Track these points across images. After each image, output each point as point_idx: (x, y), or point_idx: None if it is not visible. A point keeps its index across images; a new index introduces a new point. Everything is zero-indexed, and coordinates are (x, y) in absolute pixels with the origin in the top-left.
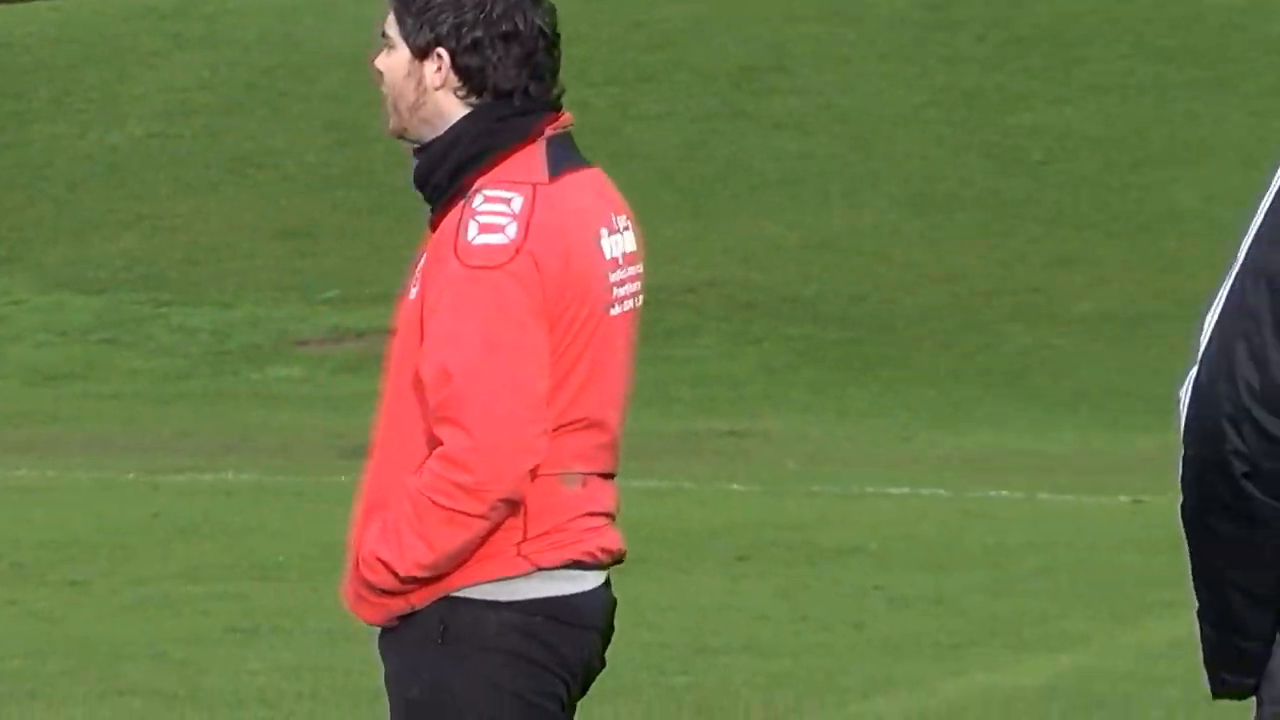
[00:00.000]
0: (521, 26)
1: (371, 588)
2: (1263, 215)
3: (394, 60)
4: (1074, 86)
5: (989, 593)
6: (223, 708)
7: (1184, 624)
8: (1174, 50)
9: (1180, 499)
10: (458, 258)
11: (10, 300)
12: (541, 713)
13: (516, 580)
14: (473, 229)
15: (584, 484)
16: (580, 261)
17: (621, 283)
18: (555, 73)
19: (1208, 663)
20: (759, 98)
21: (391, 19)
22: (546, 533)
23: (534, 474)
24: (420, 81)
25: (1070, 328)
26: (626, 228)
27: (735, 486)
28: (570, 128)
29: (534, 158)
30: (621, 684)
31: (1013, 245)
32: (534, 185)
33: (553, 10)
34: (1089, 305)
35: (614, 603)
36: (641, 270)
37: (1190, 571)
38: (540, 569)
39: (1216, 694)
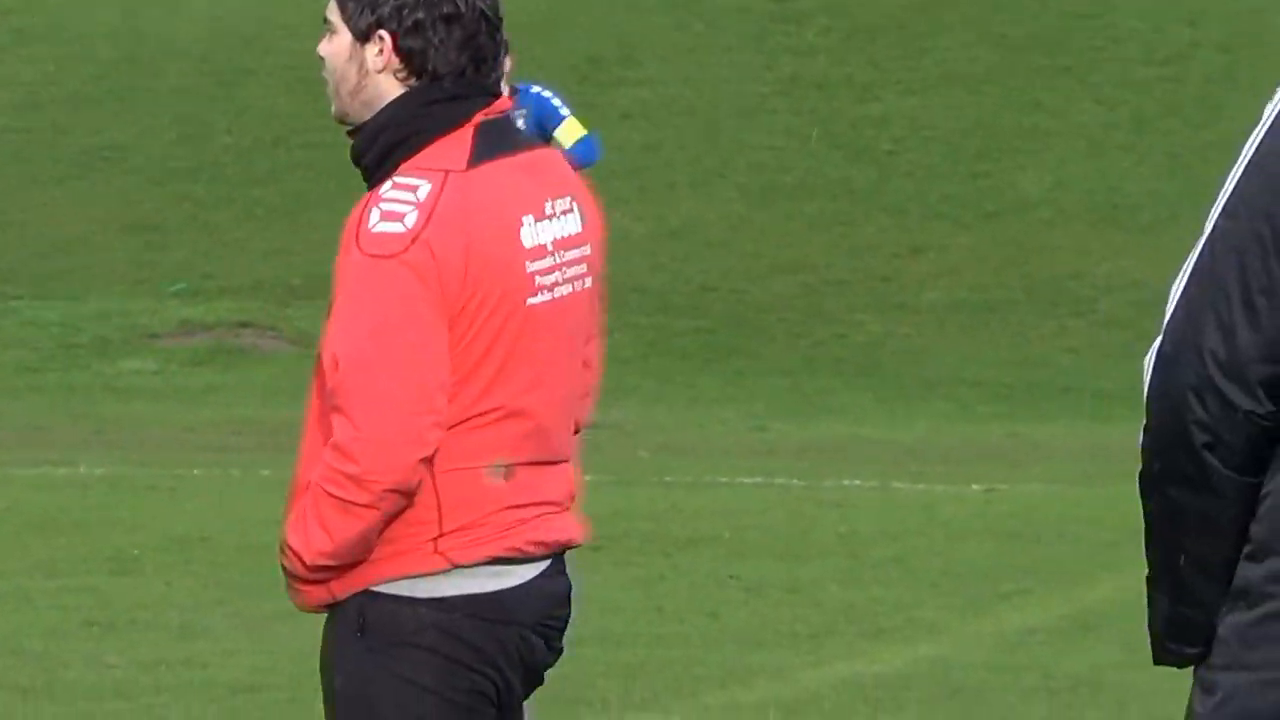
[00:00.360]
0: (463, 9)
1: (289, 575)
2: (1231, 187)
3: (336, 45)
4: (921, 76)
5: (844, 582)
6: (80, 701)
7: (1038, 613)
8: (1020, 39)
9: (1140, 467)
10: (357, 245)
11: None
12: (465, 711)
13: (435, 577)
14: (374, 216)
15: (509, 475)
16: (487, 250)
17: (550, 269)
18: (497, 57)
19: (1155, 631)
20: (605, 89)
21: (333, 4)
22: (464, 528)
23: (443, 469)
24: (362, 65)
25: (921, 316)
26: (567, 210)
27: (588, 477)
28: (508, 113)
29: (459, 144)
30: None
31: (862, 235)
32: (446, 172)
33: None
34: (939, 294)
35: (560, 592)
36: (589, 251)
37: (1145, 540)
38: (458, 566)
39: (1159, 661)
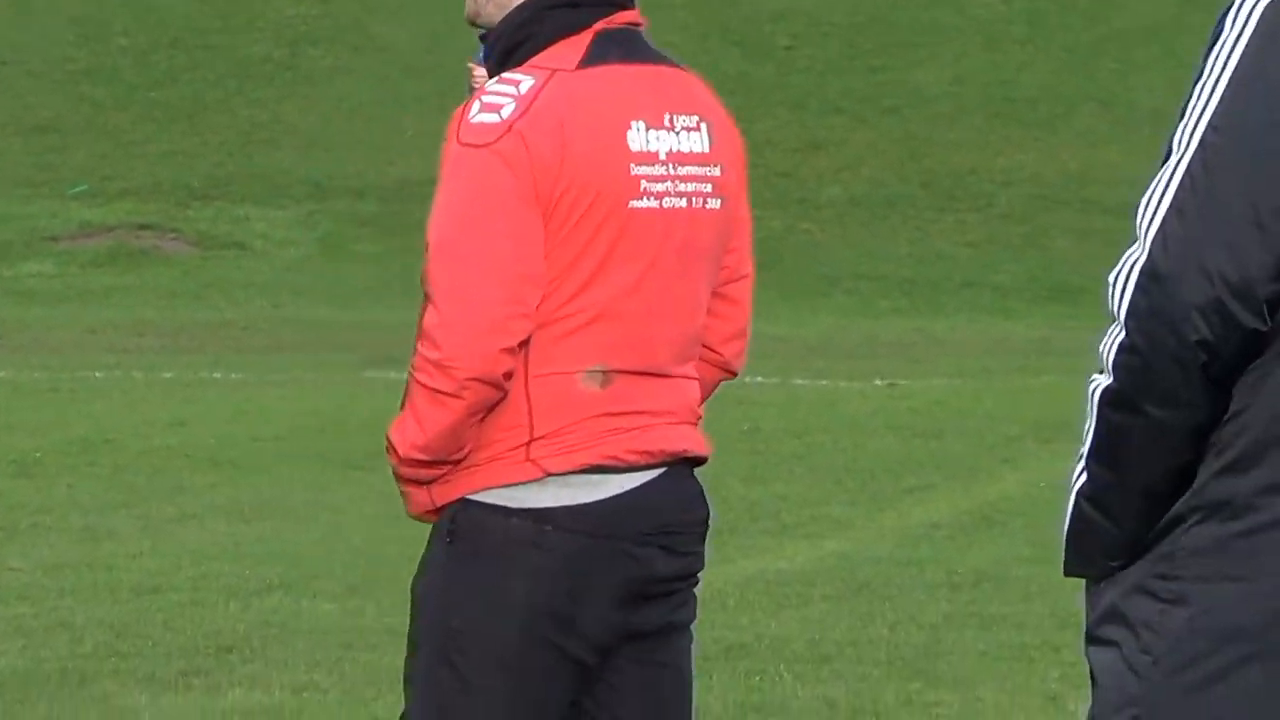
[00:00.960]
0: None
1: (394, 475)
2: (1214, 101)
3: None
4: None
5: (748, 479)
6: None
7: (941, 507)
8: None
9: (1110, 383)
10: (456, 135)
11: None
12: (546, 626)
13: (530, 486)
14: (475, 108)
15: (606, 383)
16: (585, 146)
17: (661, 179)
18: None
19: (1077, 542)
20: None
21: None
22: (556, 433)
23: (536, 372)
24: None
25: (820, 212)
26: (692, 128)
27: None
28: (637, 25)
29: (574, 48)
30: None
31: (760, 130)
32: (553, 70)
33: None
34: (838, 189)
35: (682, 497)
36: (718, 173)
37: (1089, 451)
38: (551, 475)
39: (1071, 573)
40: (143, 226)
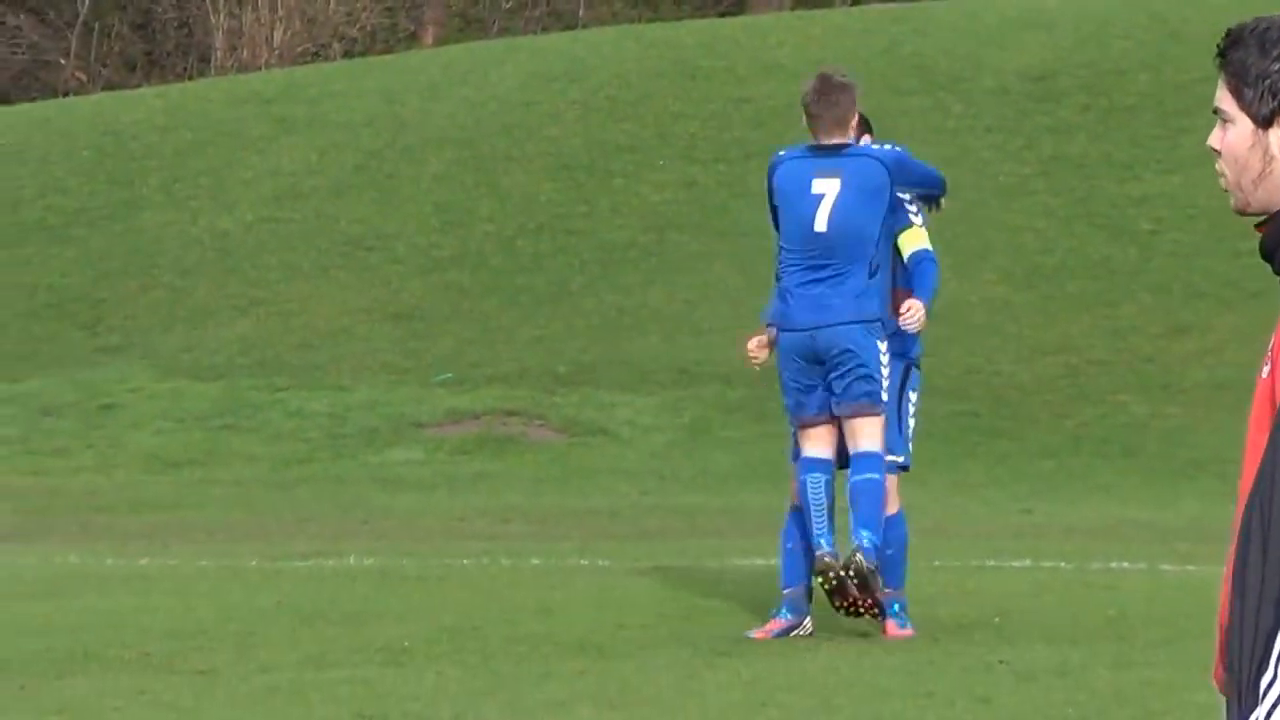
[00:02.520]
0: None
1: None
2: None
3: (1234, 135)
4: (1181, 154)
5: (1113, 665)
6: None
7: None
8: None
9: None
10: None
11: (128, 388)
12: None
13: None
14: None
15: None
16: None
17: None
18: None
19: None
20: None
21: (1226, 94)
22: None
23: None
24: (1266, 151)
25: (1185, 396)
26: None
27: None
28: None
29: None
30: None
31: (1124, 315)
32: None
33: None
34: (1203, 373)
35: None
36: None
37: None
38: None
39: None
40: (509, 413)
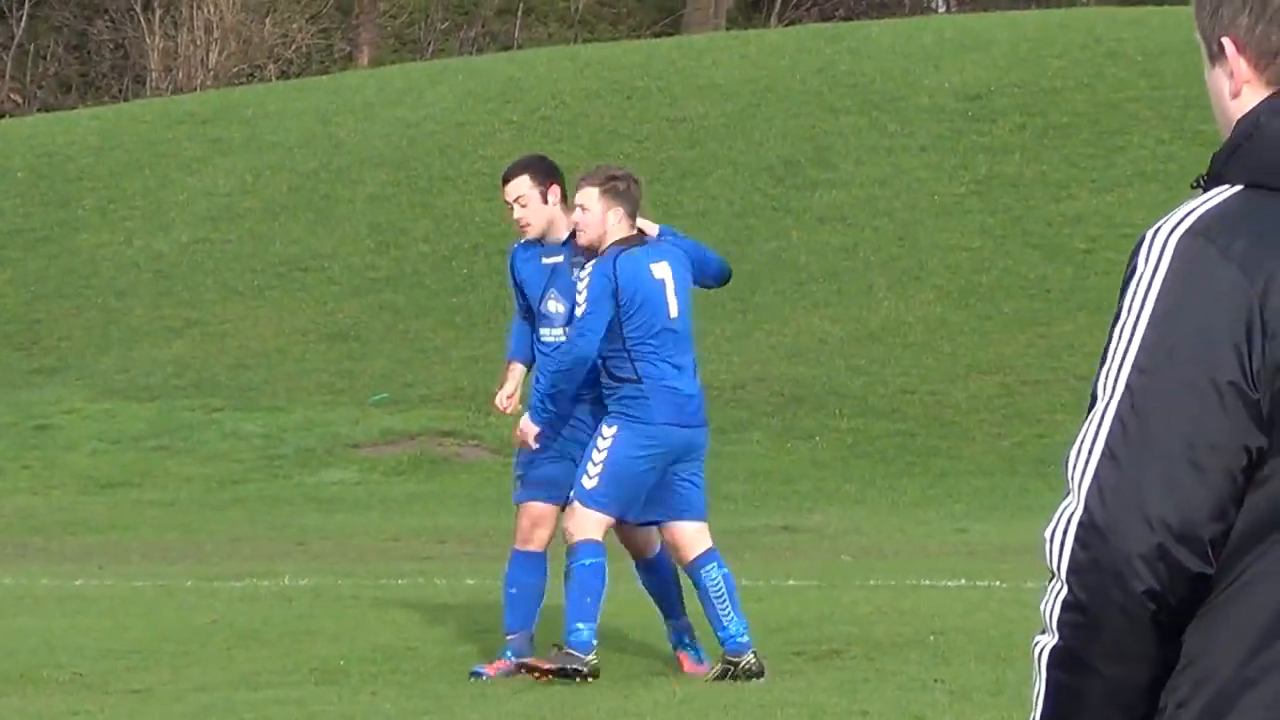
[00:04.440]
0: None
1: None
2: (1136, 342)
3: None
4: (1115, 174)
5: None
6: None
7: None
8: (1214, 135)
9: (1050, 641)
10: None
11: (63, 409)
12: None
13: None
14: None
15: None
16: None
17: None
18: None
19: None
20: (800, 191)
21: None
22: None
23: None
24: None
25: None
26: None
27: (791, 582)
28: None
29: None
30: None
31: (1060, 334)
32: None
33: None
34: None
35: None
36: None
37: (1039, 717)
38: None
39: None
40: (444, 433)
